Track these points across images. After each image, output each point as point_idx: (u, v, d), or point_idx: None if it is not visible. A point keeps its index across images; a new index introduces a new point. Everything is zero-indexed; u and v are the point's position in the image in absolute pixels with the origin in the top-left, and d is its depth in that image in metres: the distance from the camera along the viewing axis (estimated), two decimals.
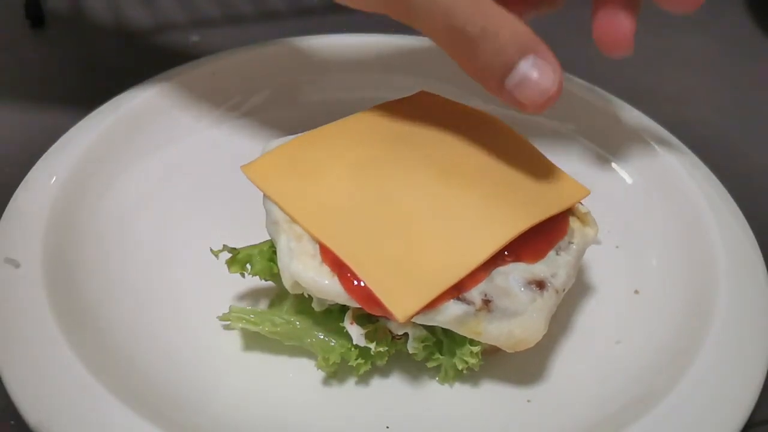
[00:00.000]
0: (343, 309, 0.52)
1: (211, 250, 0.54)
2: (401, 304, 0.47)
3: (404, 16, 0.50)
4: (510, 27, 0.48)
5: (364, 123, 0.59)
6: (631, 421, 0.49)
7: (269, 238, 0.54)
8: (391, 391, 0.53)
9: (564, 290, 0.53)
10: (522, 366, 0.55)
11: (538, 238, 0.53)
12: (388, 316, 0.48)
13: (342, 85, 0.74)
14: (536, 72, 0.49)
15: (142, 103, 0.67)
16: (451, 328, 0.50)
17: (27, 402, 0.46)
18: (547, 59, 0.49)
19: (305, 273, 0.49)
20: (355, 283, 0.48)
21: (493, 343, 0.51)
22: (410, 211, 0.52)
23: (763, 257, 0.60)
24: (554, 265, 0.53)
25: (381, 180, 0.54)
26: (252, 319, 0.53)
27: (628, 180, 0.69)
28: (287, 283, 0.51)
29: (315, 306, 0.52)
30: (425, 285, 0.48)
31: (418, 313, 0.48)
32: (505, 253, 0.51)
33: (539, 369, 0.55)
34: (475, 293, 0.50)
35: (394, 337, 0.52)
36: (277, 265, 0.52)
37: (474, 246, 0.50)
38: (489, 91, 0.51)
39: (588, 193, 0.57)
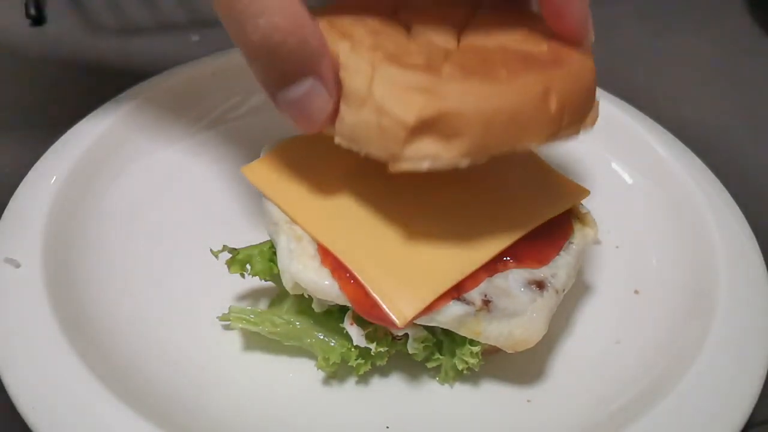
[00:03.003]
0: (343, 309, 0.52)
1: (211, 250, 0.54)
2: (400, 308, 0.47)
3: None
4: (299, 34, 0.43)
5: None
6: (631, 421, 0.49)
7: (269, 239, 0.54)
8: (391, 391, 0.53)
9: (564, 290, 0.53)
10: (522, 366, 0.55)
11: (542, 243, 0.53)
12: (385, 324, 0.48)
13: None
14: (309, 97, 0.45)
15: (142, 103, 0.67)
16: (451, 329, 0.50)
17: (27, 402, 0.46)
18: (326, 83, 0.45)
19: (305, 274, 0.49)
20: (352, 282, 0.48)
21: (493, 344, 0.51)
22: (409, 214, 0.52)
23: (763, 257, 0.60)
24: (554, 266, 0.53)
25: (380, 182, 0.54)
26: (252, 319, 0.53)
27: (628, 180, 0.69)
28: (287, 284, 0.51)
29: (315, 307, 0.52)
30: (423, 288, 0.48)
31: (417, 317, 0.48)
32: (507, 259, 0.51)
33: (539, 369, 0.55)
34: (475, 294, 0.50)
35: (394, 337, 0.52)
36: (277, 265, 0.52)
37: (473, 249, 0.50)
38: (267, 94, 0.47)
39: (588, 193, 0.57)
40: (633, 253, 0.63)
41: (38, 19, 0.85)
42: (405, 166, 0.45)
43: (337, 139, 0.47)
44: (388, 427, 0.51)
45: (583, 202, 0.57)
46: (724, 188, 0.65)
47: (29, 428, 0.46)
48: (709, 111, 0.83)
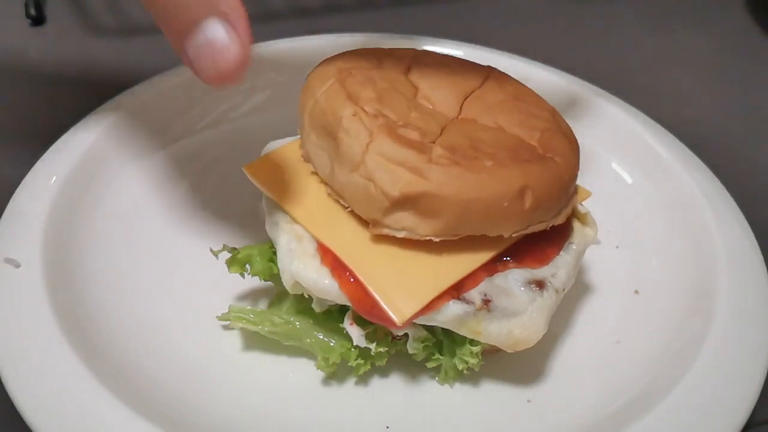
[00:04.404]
0: (343, 310, 0.52)
1: (211, 250, 0.54)
2: (399, 306, 0.47)
3: None
4: None
5: None
6: (631, 420, 0.49)
7: (269, 239, 0.54)
8: (391, 391, 0.53)
9: (564, 290, 0.53)
10: (522, 366, 0.55)
11: (542, 243, 0.53)
12: (385, 323, 0.48)
13: None
14: (218, 42, 0.41)
15: (142, 103, 0.67)
16: (450, 328, 0.50)
17: (27, 402, 0.46)
18: (238, 29, 0.41)
19: (305, 273, 0.49)
20: (352, 281, 0.48)
21: (493, 343, 0.51)
22: None
23: (763, 257, 0.60)
24: (554, 265, 0.53)
25: None
26: (251, 319, 0.53)
27: (628, 180, 0.69)
28: (287, 284, 0.51)
29: (315, 307, 0.52)
30: (423, 287, 0.48)
31: (416, 316, 0.48)
32: (507, 258, 0.51)
33: (539, 369, 0.55)
34: (474, 293, 0.50)
35: (394, 337, 0.52)
36: (277, 265, 0.52)
37: (473, 249, 0.50)
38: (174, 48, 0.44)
39: (589, 194, 0.57)
40: (633, 253, 0.63)
41: (38, 19, 0.85)
42: (384, 231, 0.49)
43: (328, 190, 0.51)
44: (388, 427, 0.51)
45: (583, 202, 0.57)
46: (724, 188, 0.65)
47: (29, 428, 0.46)
48: (709, 111, 0.83)
